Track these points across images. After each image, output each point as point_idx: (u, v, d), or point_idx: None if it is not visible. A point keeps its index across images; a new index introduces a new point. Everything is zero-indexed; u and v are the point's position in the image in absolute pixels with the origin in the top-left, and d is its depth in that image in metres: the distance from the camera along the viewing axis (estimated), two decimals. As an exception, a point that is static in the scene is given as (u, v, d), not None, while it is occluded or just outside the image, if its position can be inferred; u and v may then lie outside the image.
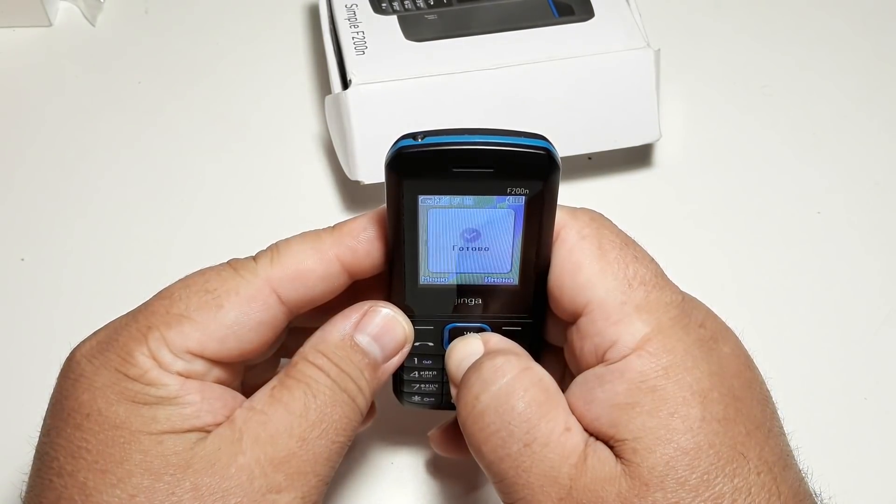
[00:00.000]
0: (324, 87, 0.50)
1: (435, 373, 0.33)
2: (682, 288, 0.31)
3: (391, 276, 0.30)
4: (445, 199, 0.28)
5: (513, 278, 0.30)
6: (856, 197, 0.47)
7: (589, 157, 0.47)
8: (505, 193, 0.28)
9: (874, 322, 0.43)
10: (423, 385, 0.33)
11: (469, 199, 0.28)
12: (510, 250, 0.29)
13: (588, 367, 0.29)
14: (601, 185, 0.47)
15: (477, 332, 0.31)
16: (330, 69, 0.46)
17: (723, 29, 0.54)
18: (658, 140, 0.46)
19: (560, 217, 0.30)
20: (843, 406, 0.41)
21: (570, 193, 0.46)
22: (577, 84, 0.44)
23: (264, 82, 0.51)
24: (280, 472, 0.27)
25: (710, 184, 0.48)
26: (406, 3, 0.47)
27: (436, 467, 0.39)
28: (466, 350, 0.31)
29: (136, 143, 0.48)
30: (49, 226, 0.45)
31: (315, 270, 0.30)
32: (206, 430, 0.28)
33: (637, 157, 0.48)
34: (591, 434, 0.28)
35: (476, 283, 0.30)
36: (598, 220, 0.30)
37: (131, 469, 0.26)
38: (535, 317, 0.31)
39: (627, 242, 0.30)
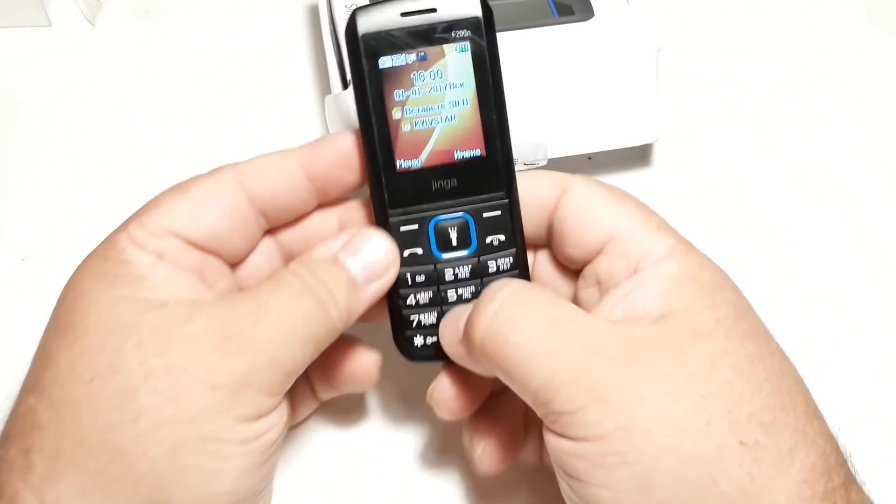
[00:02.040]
0: (324, 87, 0.50)
1: (431, 293, 0.33)
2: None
3: (368, 169, 0.32)
4: (401, 54, 0.31)
5: (480, 148, 0.32)
6: (856, 196, 0.47)
7: (589, 157, 0.47)
8: (451, 39, 0.32)
9: (876, 321, 0.43)
10: (422, 315, 0.33)
11: (422, 52, 0.31)
12: (469, 110, 0.32)
13: (617, 286, 0.31)
14: (601, 185, 0.47)
15: (461, 226, 0.33)
16: (330, 69, 0.46)
17: (723, 29, 0.54)
18: (658, 140, 0.46)
19: (561, 179, 0.33)
20: (843, 406, 0.41)
21: (569, 193, 0.47)
22: (577, 84, 0.44)
23: (264, 82, 0.51)
24: (228, 342, 0.28)
25: (710, 184, 0.48)
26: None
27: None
28: (458, 312, 0.32)
29: (136, 143, 0.48)
30: (49, 225, 0.45)
31: (273, 165, 0.32)
32: (161, 302, 0.29)
33: (637, 157, 0.48)
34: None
35: (447, 162, 0.32)
36: (596, 179, 0.33)
37: (86, 328, 0.28)
38: (509, 195, 0.33)
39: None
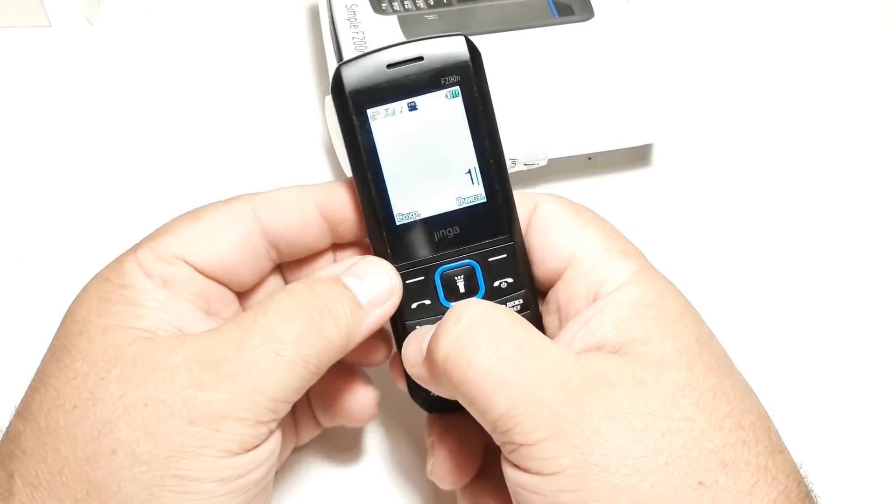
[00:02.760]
0: (324, 87, 0.50)
1: None
2: (681, 287, 0.32)
3: (367, 224, 0.32)
4: (391, 107, 0.31)
5: (479, 193, 0.32)
6: (859, 195, 0.47)
7: (589, 157, 0.47)
8: (440, 86, 0.31)
9: (878, 321, 0.43)
10: None
11: (412, 103, 0.31)
12: (465, 156, 0.31)
13: (577, 314, 0.30)
14: (601, 185, 0.47)
15: (468, 273, 0.32)
16: (330, 69, 0.46)
17: (723, 29, 0.54)
18: (658, 140, 0.46)
19: (531, 198, 0.33)
20: (845, 407, 0.41)
21: (569, 193, 0.46)
22: (577, 84, 0.44)
23: (264, 82, 0.51)
24: (207, 373, 0.27)
25: (709, 184, 0.48)
26: (406, 3, 0.47)
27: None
28: (422, 331, 0.31)
29: (135, 144, 0.48)
30: (49, 226, 0.45)
31: (291, 200, 0.32)
32: (150, 332, 0.29)
33: (637, 157, 0.48)
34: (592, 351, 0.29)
35: (448, 210, 0.32)
36: (565, 198, 0.33)
37: (76, 356, 0.28)
38: (514, 237, 0.32)
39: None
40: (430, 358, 0.29)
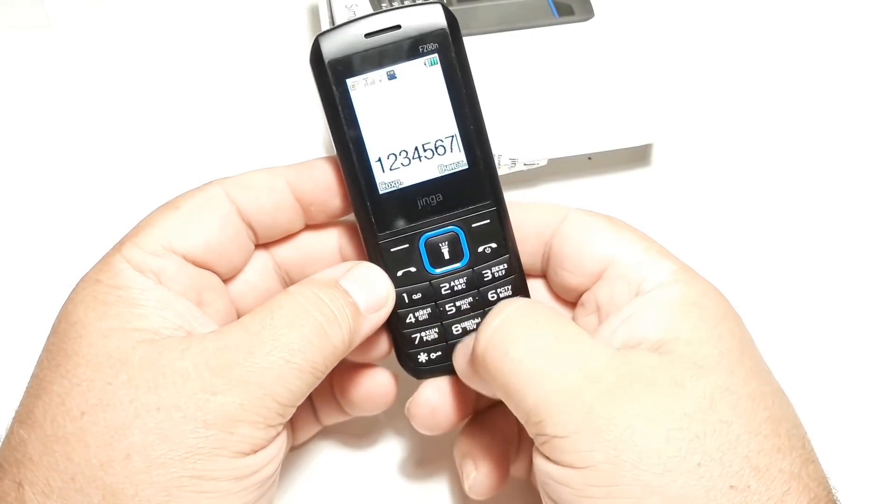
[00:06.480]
0: (324, 88, 0.50)
1: (429, 310, 0.33)
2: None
3: (351, 194, 0.32)
4: (370, 76, 0.31)
5: (461, 160, 0.32)
6: (858, 196, 0.47)
7: (589, 157, 0.47)
8: (418, 54, 0.31)
9: (875, 322, 0.43)
10: (423, 333, 0.33)
11: (391, 71, 0.31)
12: (446, 123, 0.32)
13: (618, 310, 0.31)
14: (601, 185, 0.47)
15: (452, 240, 0.32)
16: (330, 69, 0.46)
17: (723, 29, 0.54)
18: (658, 140, 0.46)
19: (560, 209, 0.33)
20: (845, 408, 0.41)
21: (570, 193, 0.47)
22: (577, 84, 0.44)
23: (265, 83, 0.51)
24: (219, 377, 0.28)
25: (709, 184, 0.48)
26: (406, 2, 0.47)
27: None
28: (471, 336, 0.32)
29: (136, 145, 0.48)
30: (45, 231, 0.45)
31: (262, 182, 0.32)
32: (152, 332, 0.29)
33: (637, 157, 0.48)
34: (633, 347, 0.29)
35: (430, 178, 0.32)
36: (596, 211, 0.33)
37: (78, 361, 0.28)
38: (497, 203, 0.33)
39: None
40: (473, 353, 0.30)
